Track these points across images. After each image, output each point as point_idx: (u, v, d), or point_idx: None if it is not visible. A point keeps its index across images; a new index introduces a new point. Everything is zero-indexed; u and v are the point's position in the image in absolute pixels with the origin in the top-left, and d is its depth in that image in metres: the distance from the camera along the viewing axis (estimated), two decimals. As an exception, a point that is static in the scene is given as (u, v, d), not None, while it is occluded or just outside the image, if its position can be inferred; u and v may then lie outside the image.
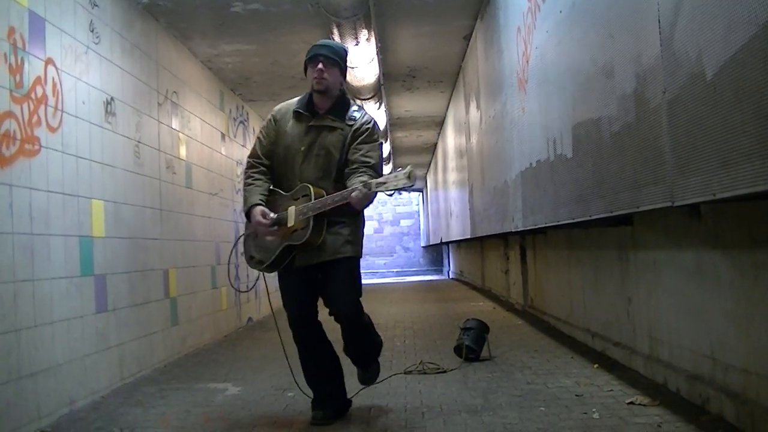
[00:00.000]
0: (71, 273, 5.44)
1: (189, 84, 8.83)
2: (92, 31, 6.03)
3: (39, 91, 5.09)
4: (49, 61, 5.26)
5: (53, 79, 5.31)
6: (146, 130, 7.19)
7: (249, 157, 4.74)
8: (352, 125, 4.54)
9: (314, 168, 4.49)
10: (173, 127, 8.09)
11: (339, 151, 4.49)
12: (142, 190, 6.98)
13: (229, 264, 5.14)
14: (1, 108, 4.60)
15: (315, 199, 4.32)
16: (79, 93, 5.72)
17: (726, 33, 2.80)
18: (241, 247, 4.87)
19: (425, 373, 5.91)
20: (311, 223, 4.33)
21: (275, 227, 4.43)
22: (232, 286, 5.20)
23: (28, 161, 4.90)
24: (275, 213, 4.46)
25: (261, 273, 4.73)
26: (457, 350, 6.49)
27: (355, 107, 4.67)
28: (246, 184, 4.64)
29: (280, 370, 6.51)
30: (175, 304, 7.80)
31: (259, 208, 4.47)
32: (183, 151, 8.40)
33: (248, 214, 4.56)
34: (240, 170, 11.42)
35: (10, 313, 4.59)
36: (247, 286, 4.83)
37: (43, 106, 5.13)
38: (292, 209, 4.41)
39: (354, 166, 4.41)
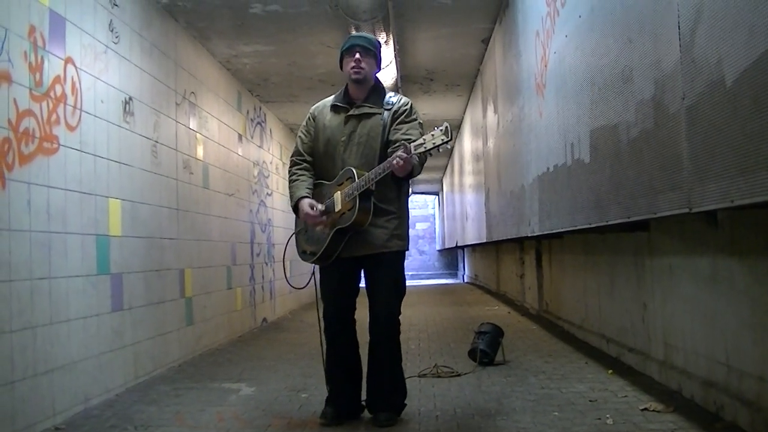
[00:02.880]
0: (88, 271, 5.47)
1: (207, 84, 8.86)
2: (112, 30, 6.06)
3: (58, 89, 5.12)
4: (68, 60, 5.29)
5: (72, 78, 5.34)
6: (164, 130, 7.21)
7: (291, 156, 4.86)
8: (390, 109, 4.62)
9: (356, 155, 4.56)
10: (191, 127, 8.12)
11: (380, 136, 4.55)
12: (159, 189, 7.00)
13: (284, 261, 5.20)
14: (21, 106, 4.63)
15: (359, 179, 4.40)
16: (97, 92, 5.75)
17: (747, 40, 2.78)
18: (293, 245, 4.93)
19: (439, 376, 5.90)
20: (357, 202, 4.37)
21: (324, 216, 4.51)
22: (288, 283, 5.25)
23: (46, 159, 4.93)
24: (322, 203, 4.56)
25: (314, 267, 4.77)
26: (472, 354, 6.48)
27: (391, 93, 4.75)
28: (291, 181, 4.76)
29: (294, 370, 6.53)
30: (191, 303, 7.82)
31: (307, 200, 4.59)
32: (200, 152, 8.43)
33: (296, 209, 4.67)
34: (257, 171, 11.45)
35: (27, 310, 4.61)
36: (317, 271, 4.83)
37: (62, 105, 5.16)
38: (338, 194, 4.49)
39: (396, 145, 4.42)
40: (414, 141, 4.17)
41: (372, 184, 4.35)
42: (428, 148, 4.10)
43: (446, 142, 4.05)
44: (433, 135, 4.07)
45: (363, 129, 4.59)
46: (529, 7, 6.85)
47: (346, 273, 4.62)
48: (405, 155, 4.14)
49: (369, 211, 4.44)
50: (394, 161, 4.17)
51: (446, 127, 4.05)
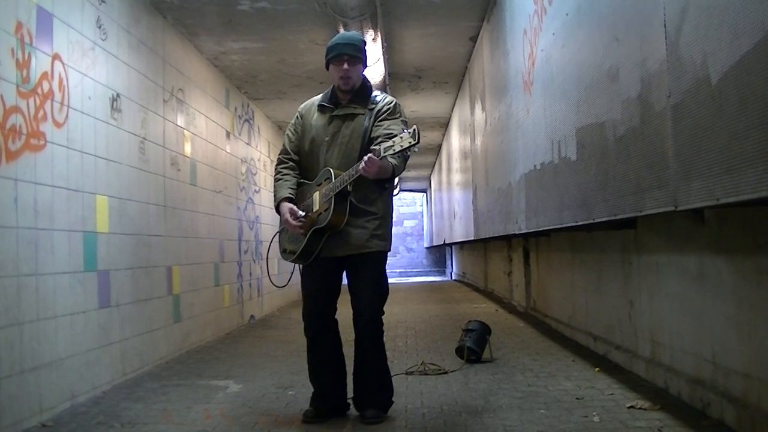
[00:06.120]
0: (75, 268, 5.45)
1: (195, 81, 8.85)
2: (99, 27, 6.04)
3: (45, 86, 5.10)
4: (55, 57, 5.27)
5: (60, 74, 5.32)
6: (152, 127, 7.20)
7: (279, 154, 4.87)
8: (373, 108, 4.62)
9: (338, 155, 4.56)
10: (178, 124, 8.10)
11: (362, 136, 4.55)
12: (146, 186, 6.99)
13: (267, 260, 5.23)
14: (8, 102, 4.61)
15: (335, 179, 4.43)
16: (85, 89, 5.73)
17: (732, 39, 2.80)
18: (276, 243, 4.96)
19: (426, 373, 5.91)
20: (332, 203, 4.39)
21: (302, 219, 4.51)
22: (271, 282, 5.25)
23: (33, 156, 4.91)
24: (303, 203, 4.58)
25: (295, 266, 4.78)
26: (459, 351, 6.49)
27: (377, 92, 4.74)
28: (275, 180, 4.77)
29: (282, 368, 6.53)
30: (178, 300, 7.81)
31: (288, 205, 4.58)
32: (188, 149, 8.41)
33: (278, 209, 4.67)
34: (245, 168, 11.44)
35: (14, 306, 4.60)
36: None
37: (49, 102, 5.15)
38: (316, 194, 4.53)
39: (377, 142, 4.41)
40: (384, 144, 4.18)
41: (348, 186, 4.37)
42: (396, 150, 4.11)
43: (413, 145, 4.08)
44: (401, 138, 4.10)
45: (346, 129, 4.59)
46: (516, 5, 6.86)
47: (326, 273, 4.63)
48: (373, 158, 4.16)
49: (344, 213, 4.45)
50: (360, 165, 4.21)
51: (414, 129, 4.07)
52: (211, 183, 9.38)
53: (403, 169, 4.55)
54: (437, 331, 8.94)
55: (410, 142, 4.06)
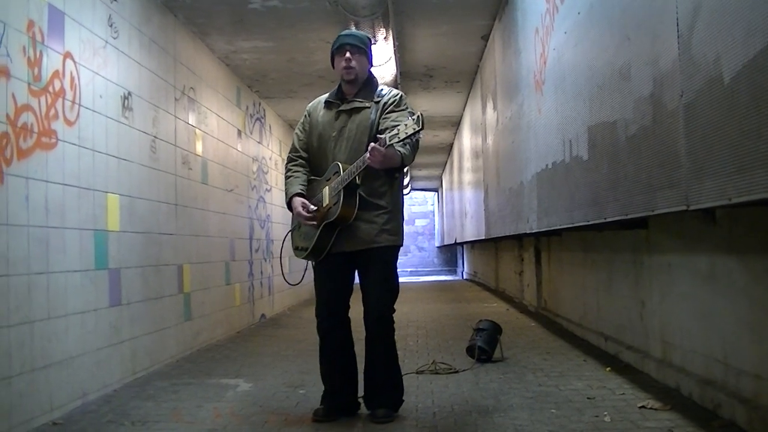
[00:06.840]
0: (85, 266, 5.46)
1: (206, 80, 8.85)
2: (111, 25, 6.05)
3: (57, 84, 5.12)
4: (67, 55, 5.28)
5: (71, 72, 5.33)
6: (163, 126, 7.21)
7: (289, 152, 4.89)
8: (379, 101, 4.62)
9: (346, 149, 4.57)
10: (190, 122, 8.11)
11: (369, 129, 4.55)
12: (157, 185, 7.00)
13: (281, 257, 5.21)
14: (19, 101, 4.62)
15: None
16: (96, 87, 5.74)
17: (745, 37, 2.78)
18: (289, 242, 4.97)
19: (437, 373, 5.90)
20: (341, 196, 4.40)
21: (314, 216, 4.52)
22: (285, 280, 5.24)
23: (44, 154, 4.92)
24: (314, 198, 4.60)
25: (308, 263, 4.79)
26: (470, 351, 6.48)
27: (382, 86, 4.75)
28: (286, 177, 4.80)
29: (292, 366, 6.53)
30: (189, 299, 7.82)
31: (300, 199, 4.60)
32: (199, 147, 8.42)
33: (290, 205, 4.69)
34: (256, 167, 11.45)
35: (24, 305, 4.61)
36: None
37: (60, 100, 5.16)
38: (326, 189, 4.54)
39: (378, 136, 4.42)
40: (389, 132, 4.18)
41: (356, 178, 4.37)
42: (401, 138, 4.12)
43: (418, 131, 4.08)
44: (406, 125, 4.11)
45: (352, 124, 4.60)
46: (528, 4, 6.84)
47: (338, 269, 4.62)
48: (377, 147, 4.15)
49: (354, 206, 4.45)
50: (367, 155, 4.20)
51: (418, 116, 4.08)
52: (222, 181, 9.39)
53: (413, 159, 4.53)
54: (448, 330, 8.92)
55: (414, 129, 4.06)
